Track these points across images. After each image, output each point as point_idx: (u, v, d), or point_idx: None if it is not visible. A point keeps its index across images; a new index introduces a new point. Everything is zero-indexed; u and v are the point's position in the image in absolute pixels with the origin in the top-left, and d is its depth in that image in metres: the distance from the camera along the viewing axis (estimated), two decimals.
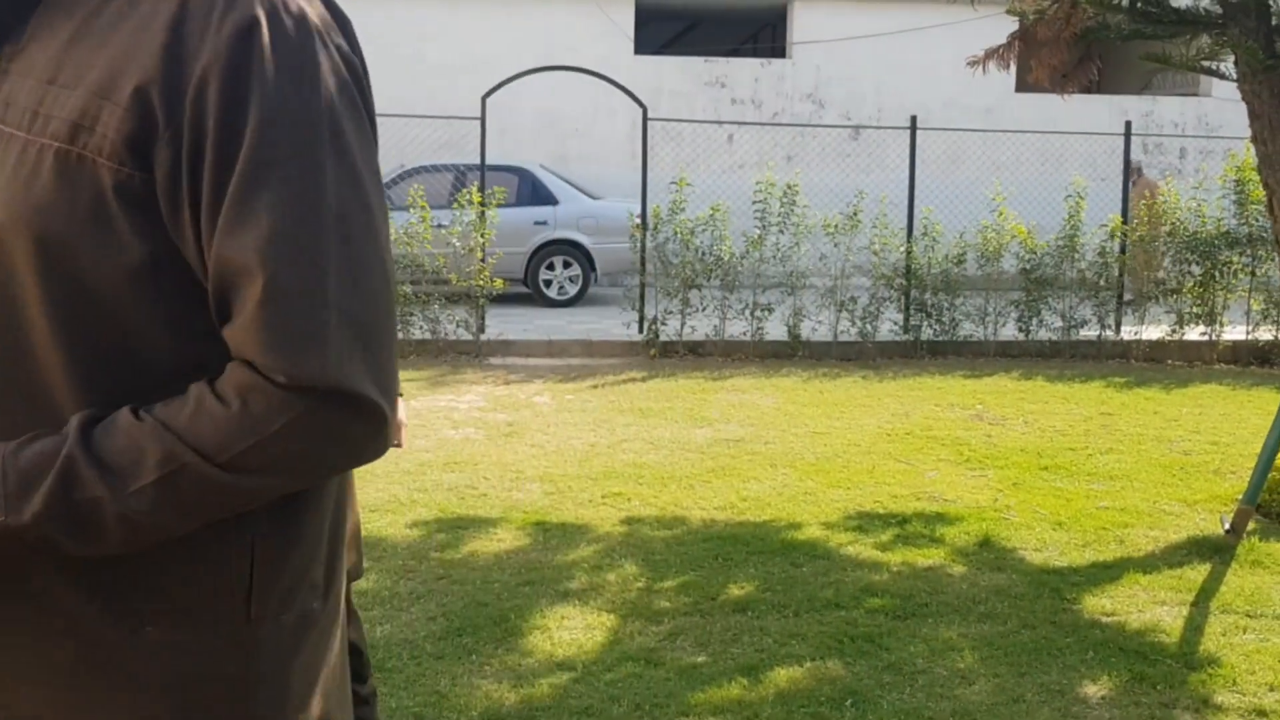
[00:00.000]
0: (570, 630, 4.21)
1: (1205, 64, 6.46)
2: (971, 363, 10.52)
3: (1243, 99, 6.06)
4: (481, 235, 10.42)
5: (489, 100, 10.99)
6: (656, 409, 8.21)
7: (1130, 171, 11.96)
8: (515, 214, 12.59)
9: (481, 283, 10.34)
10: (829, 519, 5.65)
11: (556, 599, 4.51)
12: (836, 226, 10.71)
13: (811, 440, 7.35)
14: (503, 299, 10.95)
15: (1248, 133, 6.11)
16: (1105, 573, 4.92)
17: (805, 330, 10.71)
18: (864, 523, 5.60)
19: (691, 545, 5.17)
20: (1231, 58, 6.16)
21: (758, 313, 10.57)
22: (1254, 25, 5.83)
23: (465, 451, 6.83)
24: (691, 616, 4.35)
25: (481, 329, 10.48)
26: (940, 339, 10.83)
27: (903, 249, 10.90)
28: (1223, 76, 6.35)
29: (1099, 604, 4.55)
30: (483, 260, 10.44)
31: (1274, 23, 5.92)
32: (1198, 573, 4.94)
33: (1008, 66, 7.00)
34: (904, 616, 4.39)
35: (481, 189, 10.80)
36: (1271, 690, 3.80)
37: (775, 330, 10.73)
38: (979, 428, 7.83)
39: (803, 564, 4.96)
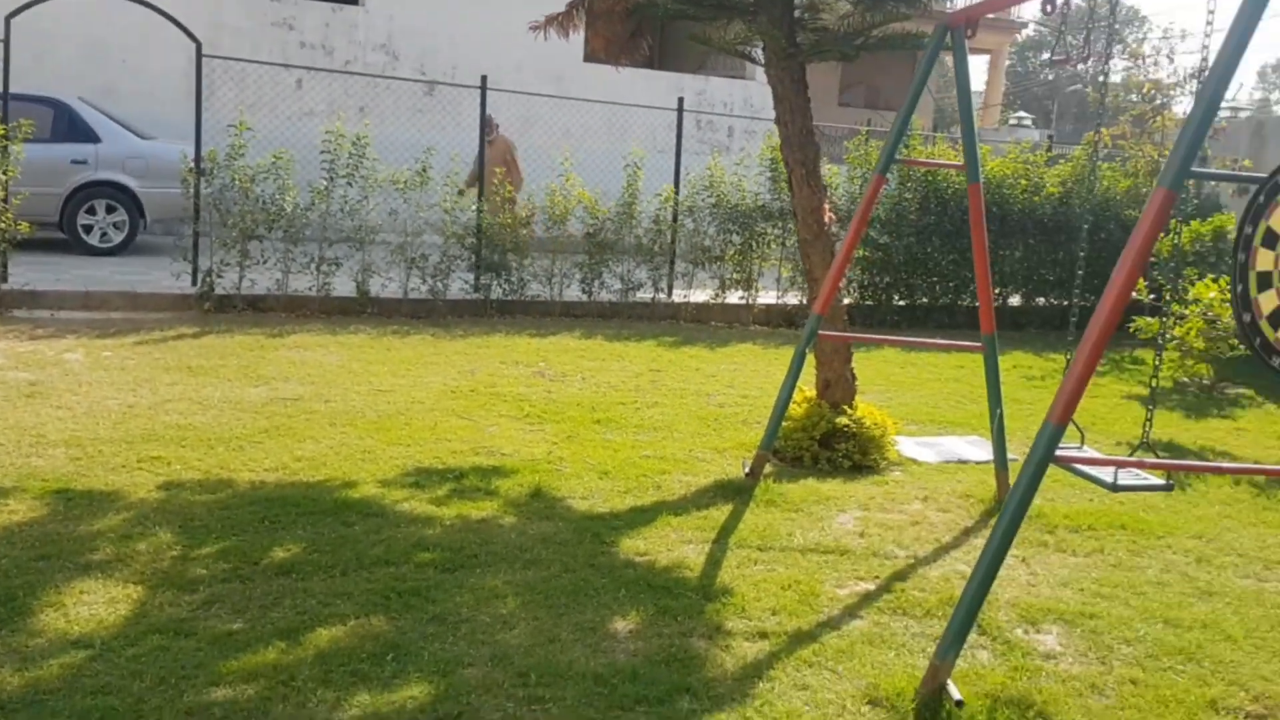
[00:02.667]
0: (90, 605, 3.86)
1: (740, 48, 7.05)
2: (538, 322, 10.86)
3: (769, 83, 6.67)
4: (4, 172, 9.22)
5: (17, 22, 9.69)
6: (208, 367, 7.72)
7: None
8: (47, 151, 11.30)
9: (4, 225, 9.15)
10: (386, 476, 5.61)
11: (76, 573, 4.12)
12: (406, 182, 10.58)
13: (374, 398, 7.24)
14: (34, 245, 9.78)
15: (775, 113, 6.71)
16: (642, 516, 5.28)
17: (375, 287, 10.53)
18: (421, 479, 5.61)
19: (236, 509, 4.92)
20: (762, 44, 6.76)
21: (324, 267, 10.23)
22: (779, 14, 6.43)
23: None
24: (230, 583, 4.14)
25: (3, 277, 9.29)
26: (509, 298, 11.07)
27: (474, 208, 10.99)
28: (753, 60, 6.96)
29: (634, 545, 4.87)
30: (4, 201, 9.23)
31: (795, 14, 6.56)
32: (721, 513, 5.44)
33: (568, 34, 7.22)
34: (453, 569, 4.45)
35: (4, 121, 9.53)
36: (774, 614, 4.27)
37: (343, 286, 10.45)
38: (540, 384, 8.10)
39: (355, 523, 4.88)
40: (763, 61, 6.70)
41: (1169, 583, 4.88)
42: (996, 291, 12.62)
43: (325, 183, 10.25)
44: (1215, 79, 3.33)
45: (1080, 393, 3.48)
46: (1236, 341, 8.62)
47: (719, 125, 17.78)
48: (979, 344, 6.13)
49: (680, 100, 12.55)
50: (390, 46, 16.24)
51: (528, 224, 11.00)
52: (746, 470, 5.95)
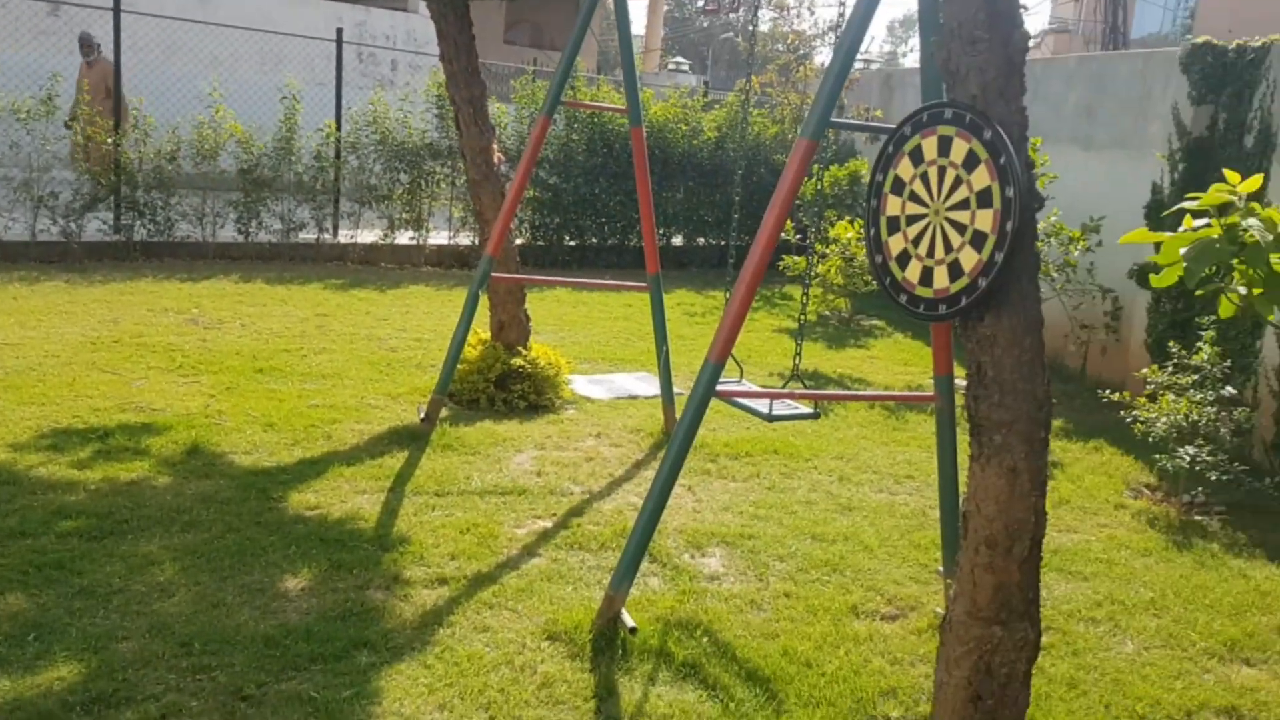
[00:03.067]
0: None
1: None
2: (189, 265, 10.13)
3: (431, 18, 6.50)
4: None
5: None
6: None
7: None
8: None
9: None
10: (17, 440, 5.07)
11: None
12: (29, 112, 9.48)
13: (1, 354, 6.50)
14: None
15: (439, 49, 6.55)
16: (312, 468, 5.10)
17: None
18: (59, 441, 5.12)
19: None
20: None
21: None
22: None
23: None
24: None
25: None
26: (155, 240, 10.24)
27: (110, 141, 10.03)
28: None
29: (304, 499, 4.70)
30: None
31: None
32: (396, 460, 5.34)
33: None
34: (100, 536, 4.11)
35: None
36: (452, 559, 4.26)
37: None
38: (194, 332, 7.58)
39: None
40: None
41: (816, 501, 5.31)
42: (660, 232, 13.10)
43: None
44: (850, 34, 3.58)
45: (737, 331, 3.68)
46: (870, 278, 9.42)
47: (381, 59, 17.18)
48: (645, 284, 6.34)
49: (339, 31, 11.99)
50: None
51: (173, 158, 10.19)
52: (422, 415, 5.88)
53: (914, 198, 2.97)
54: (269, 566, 4.00)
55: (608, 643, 3.66)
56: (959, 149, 2.80)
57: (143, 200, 10.12)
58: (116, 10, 10.47)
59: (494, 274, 5.90)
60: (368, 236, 11.47)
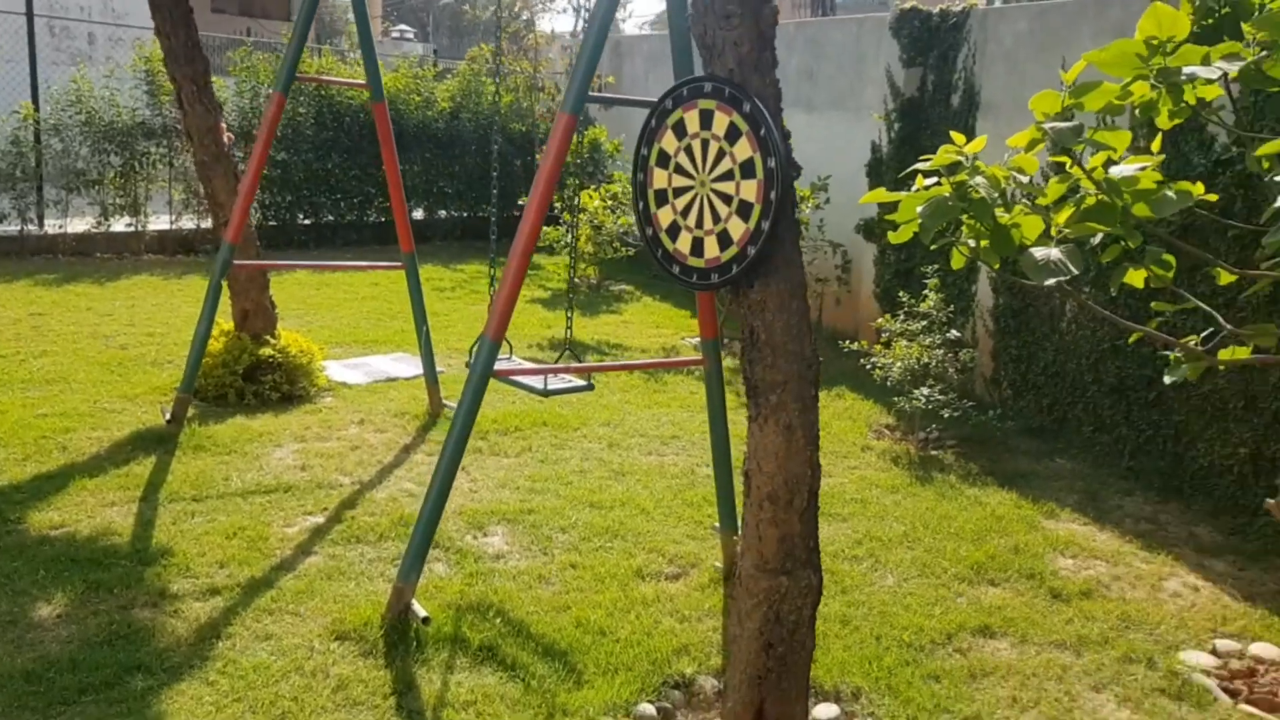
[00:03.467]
0: None
1: None
2: None
3: None
4: None
5: None
6: None
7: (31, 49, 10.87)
8: None
9: None
10: None
11: None
12: None
13: None
14: None
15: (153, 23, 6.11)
16: (50, 484, 4.71)
17: None
18: None
19: None
20: None
21: None
22: None
23: None
24: None
25: None
26: None
27: None
28: None
29: (46, 518, 4.33)
30: None
31: None
32: (144, 467, 5.01)
33: None
34: None
35: None
36: (222, 567, 4.05)
37: None
38: None
39: None
40: None
41: (589, 470, 5.39)
42: None
43: None
44: (604, 5, 3.62)
45: (512, 307, 3.67)
46: (620, 245, 9.60)
47: (77, 32, 15.81)
48: (400, 264, 6.20)
49: (29, 2, 10.94)
50: None
51: None
52: (167, 417, 5.53)
53: (680, 170, 3.05)
54: (17, 595, 3.67)
55: (400, 636, 3.59)
56: (720, 122, 2.89)
57: None
58: None
59: (236, 261, 5.60)
60: (79, 225, 10.60)
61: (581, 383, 4.29)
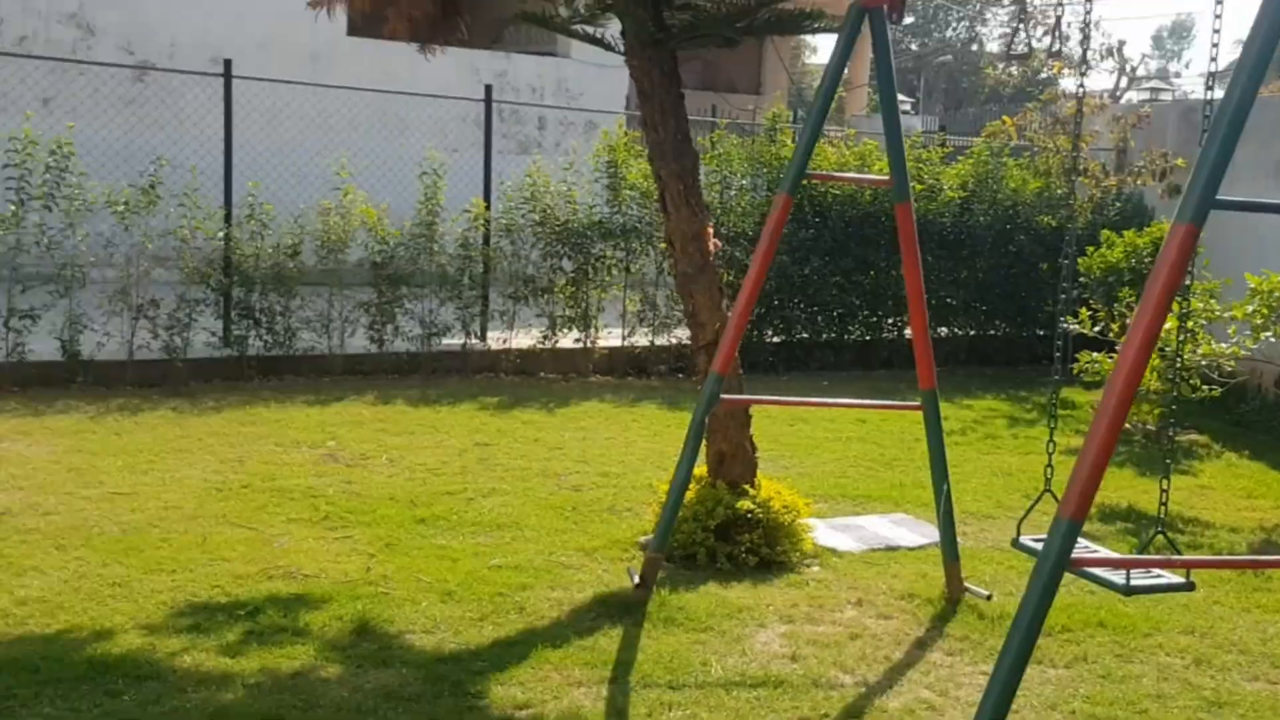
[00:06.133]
0: None
1: (589, 31, 7.07)
2: (315, 384, 10.57)
3: (631, 75, 6.71)
4: None
5: None
6: None
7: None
8: None
9: None
10: (151, 619, 5.30)
11: None
12: (128, 203, 10.13)
13: (111, 505, 6.87)
14: None
15: (611, 103, 6.75)
16: (510, 652, 5.16)
17: (88, 346, 10.01)
18: (200, 619, 5.33)
19: None
20: (617, 24, 6.79)
21: (14, 322, 9.67)
22: None
23: None
24: None
25: None
26: (273, 353, 10.74)
27: (221, 235, 10.62)
28: (608, 47, 6.98)
29: (508, 695, 4.75)
30: None
31: None
32: (610, 640, 5.36)
33: (363, 12, 7.08)
34: None
35: None
36: None
37: (43, 346, 9.91)
38: (335, 472, 7.86)
39: (122, 691, 4.59)
40: (621, 49, 6.74)
41: (1170, 694, 5.08)
42: (890, 321, 13.05)
43: (13, 206, 9.69)
44: (1249, 67, 3.51)
45: (1098, 479, 3.59)
46: (1199, 381, 9.14)
47: (526, 116, 17.82)
48: (915, 403, 6.28)
49: (488, 89, 12.51)
50: (83, 17, 15.60)
51: (295, 253, 10.70)
52: (635, 580, 5.90)
53: None
54: None
55: None
56: None
57: (259, 306, 10.63)
58: (227, 76, 11.16)
59: (724, 395, 5.94)
60: (523, 340, 11.76)
61: (1179, 580, 4.09)
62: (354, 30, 16.24)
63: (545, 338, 11.72)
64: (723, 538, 6.47)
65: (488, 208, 11.81)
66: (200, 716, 4.42)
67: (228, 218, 10.86)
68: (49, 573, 5.76)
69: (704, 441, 6.80)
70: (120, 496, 7.04)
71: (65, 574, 5.76)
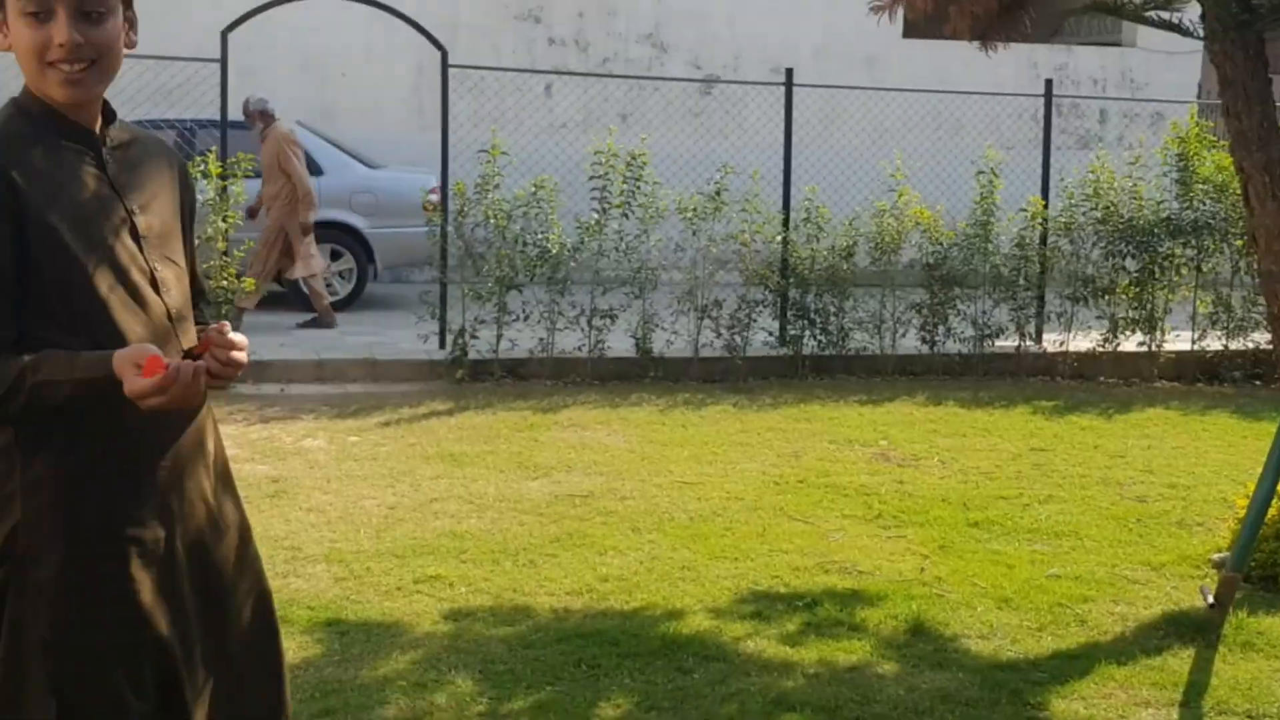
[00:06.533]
0: None
1: (1162, 16, 6.71)
2: (866, 383, 10.70)
3: (1211, 61, 6.30)
4: (223, 218, 9.95)
5: (231, 37, 10.53)
6: (473, 453, 7.99)
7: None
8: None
9: (225, 283, 9.87)
10: (716, 603, 5.57)
11: None
12: (695, 209, 10.70)
13: (679, 493, 7.28)
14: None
15: (1180, 92, 6.35)
16: (1071, 665, 5.00)
17: (658, 343, 10.67)
18: (761, 607, 5.54)
19: (542, 648, 4.99)
20: (1194, 8, 6.41)
21: (596, 321, 10.47)
22: None
23: None
24: None
25: None
26: (827, 353, 10.98)
27: (779, 238, 10.99)
28: (1186, 33, 6.60)
29: (1070, 709, 4.60)
30: (225, 253, 9.96)
31: None
32: (1181, 661, 5.07)
33: (924, 13, 7.08)
34: None
35: (223, 155, 10.32)
36: None
37: (618, 343, 10.65)
38: (887, 471, 7.93)
39: (692, 669, 4.85)
40: (1200, 33, 6.36)
41: None
42: None
43: (596, 214, 10.49)
44: None
45: None
46: None
47: (1086, 110, 17.17)
48: None
49: (1048, 83, 12.17)
50: (657, 37, 16.63)
51: (849, 255, 10.90)
52: (1208, 599, 5.54)
53: None
54: None
55: None
56: None
57: (813, 307, 10.91)
58: (788, 85, 11.55)
59: None
60: (1081, 343, 11.35)
61: None
62: (910, 32, 16.29)
63: (1105, 340, 11.25)
64: None
65: (1045, 206, 11.51)
66: (762, 701, 4.59)
67: (786, 221, 11.22)
68: (626, 553, 6.19)
69: None
70: (687, 485, 7.44)
71: (640, 555, 6.16)
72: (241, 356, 2.39)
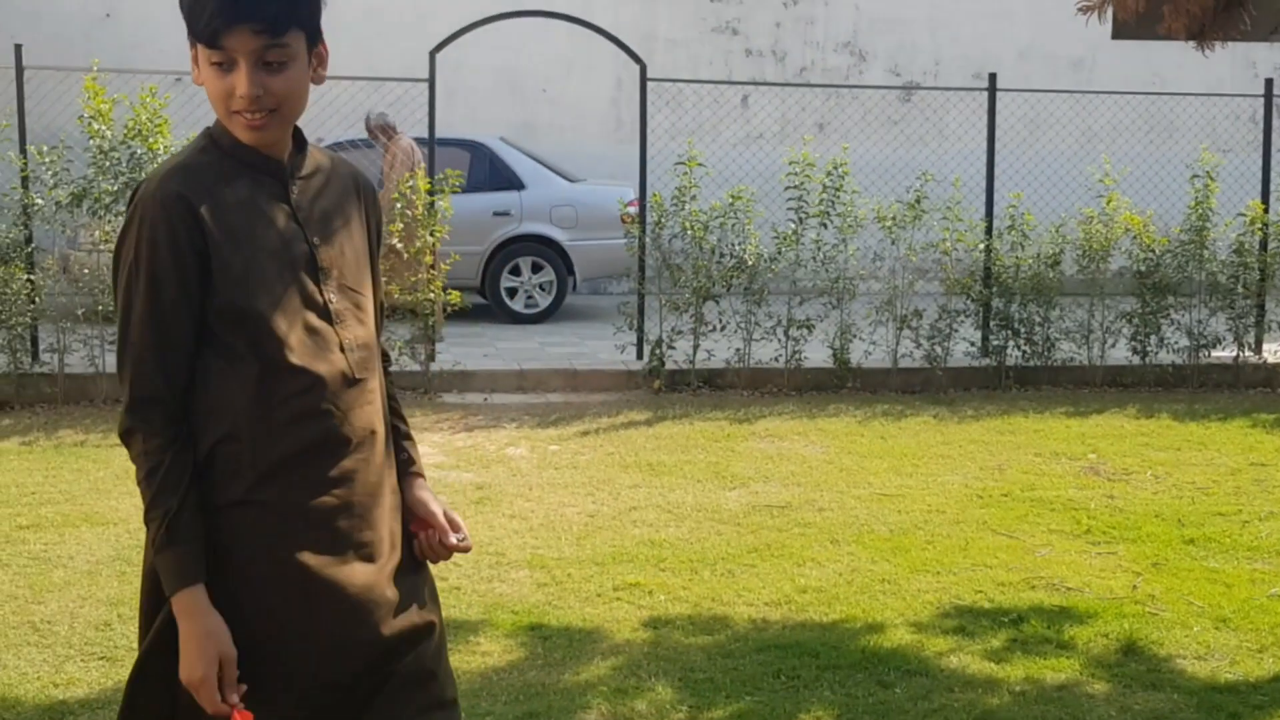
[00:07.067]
0: None
1: None
2: (1073, 395, 10.41)
3: None
4: (431, 233, 10.23)
5: (438, 57, 10.83)
6: (670, 463, 8.04)
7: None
8: (469, 202, 12.37)
9: (433, 296, 10.14)
10: (918, 617, 5.49)
11: None
12: (894, 218, 10.58)
13: (878, 505, 7.19)
14: (453, 315, 10.77)
15: None
16: None
17: (855, 354, 10.57)
18: (965, 622, 5.44)
19: (741, 657, 4.99)
20: None
21: (793, 331, 10.43)
22: None
23: None
24: None
25: (432, 356, 10.28)
26: (1031, 364, 10.72)
27: (982, 246, 10.78)
28: None
29: None
30: (433, 267, 10.24)
31: None
32: None
33: (1136, 13, 6.87)
34: None
35: (430, 171, 10.61)
36: None
37: (814, 354, 10.59)
38: (1096, 485, 7.70)
39: (893, 683, 4.79)
40: None
41: None
42: None
43: (793, 224, 10.45)
44: None
45: None
46: None
47: None
48: None
49: (1269, 83, 11.66)
50: (855, 44, 16.50)
51: (1056, 263, 10.63)
52: None
53: None
54: None
55: None
56: None
57: (1018, 316, 10.67)
58: (992, 90, 11.33)
59: None
60: None
61: None
62: (1119, 33, 15.81)
63: None
64: None
65: (1266, 210, 11.03)
66: (966, 718, 4.51)
67: (989, 229, 10.99)
68: (825, 565, 6.15)
69: None
70: (887, 497, 7.35)
71: (839, 567, 6.11)
72: (459, 541, 2.57)
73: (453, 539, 2.56)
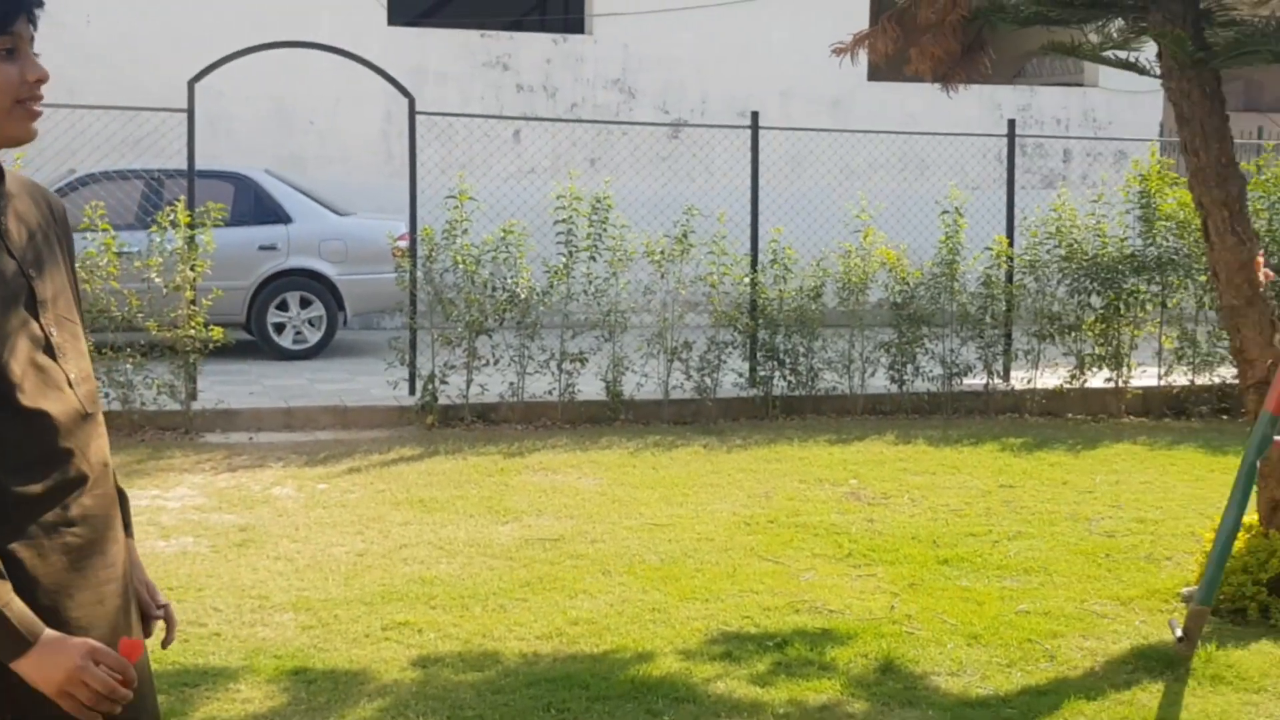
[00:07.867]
0: None
1: (1120, 56, 6.80)
2: (835, 423, 10.70)
3: (1169, 98, 6.39)
4: (192, 267, 9.91)
5: (199, 86, 10.53)
6: (442, 499, 7.95)
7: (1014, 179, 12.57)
8: (233, 236, 12.02)
9: (193, 332, 9.81)
10: (687, 645, 5.55)
11: None
12: (663, 252, 10.73)
13: (650, 535, 7.26)
14: (217, 352, 10.45)
15: (1142, 131, 6.42)
16: (1041, 702, 5.00)
17: (628, 386, 10.67)
18: (732, 647, 5.52)
19: (511, 693, 4.96)
20: (1151, 48, 6.50)
21: (566, 365, 10.46)
22: (1180, 9, 6.14)
23: (183, 571, 6.39)
24: None
25: (193, 395, 9.96)
26: (796, 393, 11.00)
27: (747, 280, 11.03)
28: (1143, 71, 6.68)
29: None
30: (193, 303, 9.91)
31: (1201, 6, 6.26)
32: (1150, 695, 5.08)
33: (884, 55, 7.15)
34: None
35: (190, 204, 10.28)
36: None
37: (588, 387, 10.64)
38: (857, 509, 7.93)
39: (662, 711, 4.83)
40: (1157, 72, 6.44)
41: None
42: None
43: (563, 258, 10.50)
44: None
45: None
46: None
47: (1050, 149, 17.31)
48: None
49: (1011, 123, 12.28)
50: (625, 82, 16.70)
51: (818, 295, 10.94)
52: (1178, 634, 5.55)
53: None
54: None
55: None
56: None
57: (783, 348, 10.93)
58: (755, 127, 11.63)
59: (1277, 438, 5.49)
60: (1048, 379, 11.40)
61: None
62: (874, 75, 16.42)
63: (1073, 377, 11.30)
64: (1276, 592, 5.98)
65: (1010, 244, 11.59)
66: None
67: (754, 263, 11.26)
68: (596, 596, 6.16)
69: (1254, 488, 6.33)
70: (658, 527, 7.42)
71: (610, 598, 6.14)
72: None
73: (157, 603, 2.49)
